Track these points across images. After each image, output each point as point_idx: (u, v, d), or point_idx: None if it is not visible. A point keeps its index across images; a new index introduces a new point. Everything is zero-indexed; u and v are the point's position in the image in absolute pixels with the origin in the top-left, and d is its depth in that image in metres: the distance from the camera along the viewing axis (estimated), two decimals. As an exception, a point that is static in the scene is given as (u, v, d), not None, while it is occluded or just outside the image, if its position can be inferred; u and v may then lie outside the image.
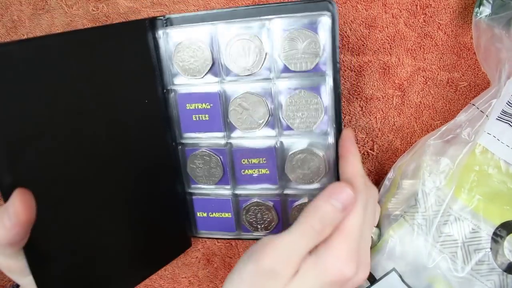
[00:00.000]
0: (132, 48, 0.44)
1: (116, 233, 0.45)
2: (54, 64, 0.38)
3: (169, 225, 0.50)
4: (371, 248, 0.47)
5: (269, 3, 0.44)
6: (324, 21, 0.43)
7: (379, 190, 0.49)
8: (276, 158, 0.48)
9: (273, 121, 0.47)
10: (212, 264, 0.55)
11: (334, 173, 0.47)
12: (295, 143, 0.48)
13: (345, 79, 0.51)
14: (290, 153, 0.48)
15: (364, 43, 0.51)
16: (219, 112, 0.48)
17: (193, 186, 0.52)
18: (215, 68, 0.47)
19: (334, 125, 0.45)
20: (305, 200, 0.49)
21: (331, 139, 0.46)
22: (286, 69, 0.45)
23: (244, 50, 0.45)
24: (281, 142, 0.48)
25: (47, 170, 0.38)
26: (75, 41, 0.39)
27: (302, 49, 0.44)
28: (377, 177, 0.53)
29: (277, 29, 0.44)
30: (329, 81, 0.44)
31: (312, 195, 0.49)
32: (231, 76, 0.47)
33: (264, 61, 0.45)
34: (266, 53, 0.45)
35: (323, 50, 0.44)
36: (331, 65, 0.44)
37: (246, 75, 0.46)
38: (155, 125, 0.47)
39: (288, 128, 0.47)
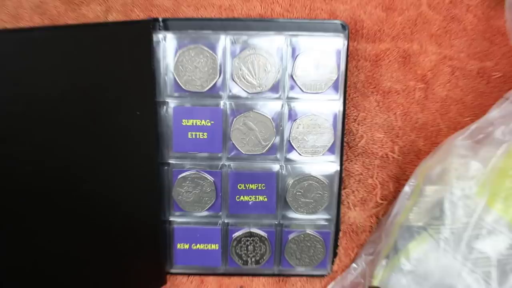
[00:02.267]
0: (128, 52, 0.44)
1: (80, 262, 0.45)
2: (35, 60, 0.39)
3: (142, 260, 0.49)
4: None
5: (284, 19, 0.49)
6: (339, 43, 0.46)
7: (398, 198, 0.49)
8: (277, 184, 0.49)
9: (279, 144, 0.48)
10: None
11: (336, 204, 0.49)
12: (298, 168, 0.48)
13: (359, 70, 0.51)
14: (294, 179, 0.48)
15: (381, 28, 0.50)
16: (220, 130, 0.47)
17: (176, 213, 0.50)
18: (220, 81, 0.47)
19: (339, 151, 0.48)
20: (303, 231, 0.50)
21: (336, 166, 0.48)
22: (298, 90, 0.47)
23: (257, 66, 0.46)
24: (284, 167, 0.48)
25: (7, 175, 0.39)
26: (62, 36, 0.40)
27: (316, 70, 0.46)
28: (397, 184, 0.52)
29: (292, 46, 0.46)
30: (340, 105, 0.47)
31: (312, 226, 0.50)
32: (237, 92, 0.47)
33: (275, 80, 0.46)
34: (279, 71, 0.46)
35: (338, 72, 0.46)
36: (342, 88, 0.47)
37: (254, 93, 0.47)
38: (143, 141, 0.46)
39: (294, 152, 0.48)
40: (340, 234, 0.51)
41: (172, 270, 0.51)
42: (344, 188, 0.52)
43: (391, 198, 0.52)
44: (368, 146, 0.51)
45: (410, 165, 0.52)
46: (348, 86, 0.50)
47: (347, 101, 0.50)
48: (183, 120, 0.47)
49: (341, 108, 0.47)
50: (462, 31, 0.50)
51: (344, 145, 0.51)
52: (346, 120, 0.50)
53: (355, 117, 0.51)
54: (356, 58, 0.50)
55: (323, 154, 0.48)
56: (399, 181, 0.52)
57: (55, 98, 0.39)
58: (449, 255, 0.42)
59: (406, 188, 0.47)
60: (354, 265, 0.51)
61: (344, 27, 0.46)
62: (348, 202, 0.51)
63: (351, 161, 0.51)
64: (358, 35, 0.50)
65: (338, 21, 0.46)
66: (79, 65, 0.40)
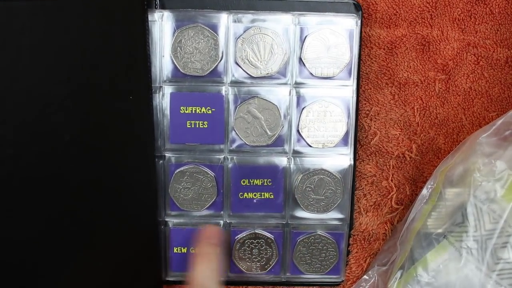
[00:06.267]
0: (119, 30, 0.43)
1: (62, 271, 0.45)
2: (13, 34, 0.39)
3: (135, 267, 0.48)
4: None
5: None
6: (351, 23, 0.46)
7: (415, 202, 0.49)
8: (284, 179, 0.49)
9: (286, 134, 0.48)
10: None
11: (350, 201, 0.49)
12: (308, 162, 0.48)
13: (372, 59, 0.50)
14: (303, 174, 0.48)
15: (397, 12, 0.50)
16: (222, 119, 0.47)
17: (172, 212, 0.49)
18: (222, 64, 0.47)
19: (353, 143, 0.48)
20: (314, 232, 0.50)
21: (349, 160, 0.49)
22: (307, 74, 0.47)
23: (263, 47, 0.46)
24: (293, 160, 0.48)
25: None
26: (43, 8, 0.39)
27: (327, 52, 0.46)
28: (414, 186, 0.52)
29: (300, 26, 0.46)
30: (353, 91, 0.48)
31: (324, 226, 0.50)
32: (241, 76, 0.47)
33: (282, 62, 0.47)
34: (287, 54, 0.46)
35: (350, 55, 0.47)
36: (356, 73, 0.47)
37: (259, 77, 0.47)
38: (137, 131, 0.46)
39: (303, 143, 0.48)
40: (351, 241, 0.51)
41: (168, 278, 0.51)
42: (355, 191, 0.52)
43: (408, 202, 0.52)
44: (382, 144, 0.51)
45: (429, 166, 0.51)
46: (359, 76, 0.50)
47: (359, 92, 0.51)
48: (181, 108, 0.47)
49: (355, 95, 0.47)
50: (488, 15, 0.49)
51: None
52: (357, 115, 0.51)
53: (367, 112, 0.50)
54: (369, 45, 0.50)
55: (335, 146, 0.48)
56: (417, 183, 0.52)
57: (34, 78, 0.39)
58: (472, 265, 0.42)
59: (424, 191, 0.47)
60: (365, 276, 0.50)
61: (357, 7, 0.46)
62: (359, 207, 0.51)
63: (363, 160, 0.51)
64: (371, 19, 0.49)
65: (350, 1, 0.46)
66: (62, 43, 0.40)
